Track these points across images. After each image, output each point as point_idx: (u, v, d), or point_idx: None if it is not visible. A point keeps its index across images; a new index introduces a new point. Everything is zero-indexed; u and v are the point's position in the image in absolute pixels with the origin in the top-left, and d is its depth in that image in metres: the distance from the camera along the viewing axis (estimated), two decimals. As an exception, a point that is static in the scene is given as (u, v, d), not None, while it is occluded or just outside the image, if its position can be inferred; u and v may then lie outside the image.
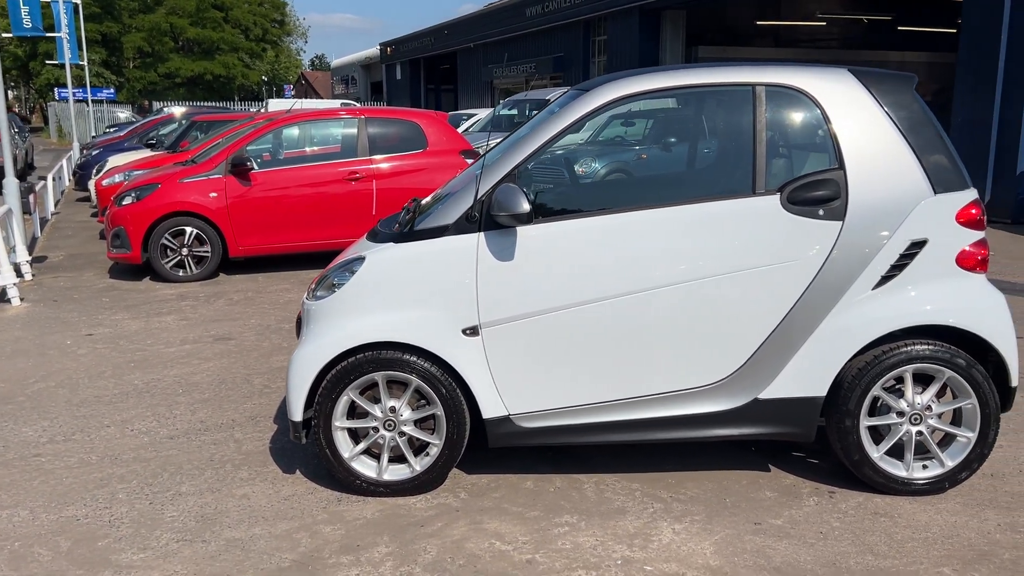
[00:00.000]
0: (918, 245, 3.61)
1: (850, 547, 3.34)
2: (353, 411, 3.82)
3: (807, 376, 3.68)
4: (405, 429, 3.80)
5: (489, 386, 3.73)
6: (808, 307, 3.64)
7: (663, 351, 3.69)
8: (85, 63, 31.25)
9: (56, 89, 44.06)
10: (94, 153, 16.91)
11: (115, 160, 13.99)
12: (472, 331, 3.68)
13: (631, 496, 3.80)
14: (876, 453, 3.73)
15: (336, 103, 20.43)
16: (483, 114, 18.45)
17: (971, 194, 3.66)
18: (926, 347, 3.62)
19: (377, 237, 3.93)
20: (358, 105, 17.92)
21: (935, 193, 3.61)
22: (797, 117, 3.75)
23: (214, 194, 8.78)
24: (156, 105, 44.92)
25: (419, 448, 3.85)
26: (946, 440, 3.78)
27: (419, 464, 3.82)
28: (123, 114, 39.86)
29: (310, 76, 79.73)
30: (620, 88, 3.73)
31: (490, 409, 3.75)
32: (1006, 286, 7.81)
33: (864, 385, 3.65)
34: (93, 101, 42.26)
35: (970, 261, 3.64)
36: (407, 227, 3.80)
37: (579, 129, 3.72)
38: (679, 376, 3.72)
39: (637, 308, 3.64)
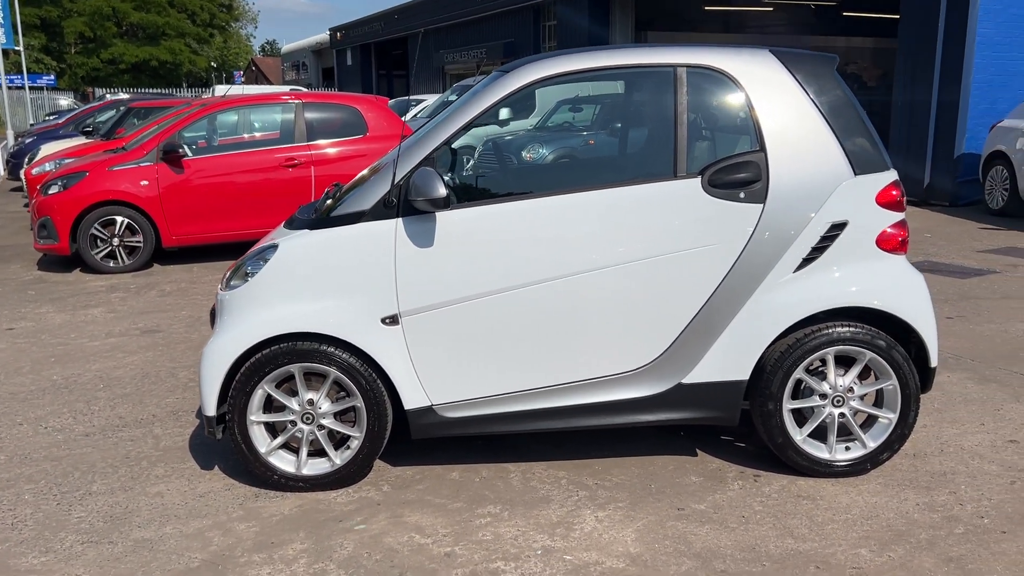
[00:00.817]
0: (839, 227, 3.60)
1: (771, 531, 3.32)
2: (270, 404, 3.70)
3: (729, 360, 3.65)
4: (324, 422, 3.69)
5: (411, 376, 3.64)
6: (730, 291, 3.61)
7: (587, 337, 3.64)
8: (21, 48, 30.31)
9: (-6, 76, 42.74)
10: (27, 141, 16.38)
11: (48, 148, 13.55)
12: (392, 320, 3.59)
13: (556, 484, 3.75)
14: (799, 436, 3.73)
15: (285, 89, 20.08)
16: (432, 100, 18.25)
17: (891, 175, 3.66)
18: (847, 329, 3.61)
19: (294, 224, 3.81)
20: (304, 91, 17.65)
21: (855, 175, 3.60)
22: (718, 99, 3.71)
23: (145, 182, 8.53)
24: (99, 92, 43.79)
25: (340, 441, 3.75)
26: (869, 421, 3.80)
27: (339, 458, 3.72)
28: (65, 102, 38.78)
29: (260, 62, 78.36)
30: (539, 70, 3.65)
31: (412, 400, 3.66)
32: (940, 267, 7.93)
33: (786, 368, 3.64)
34: (32, 88, 41.07)
35: (890, 243, 3.64)
36: (324, 213, 3.69)
37: (498, 111, 3.63)
38: (603, 362, 3.67)
39: (559, 294, 3.58)
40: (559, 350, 3.65)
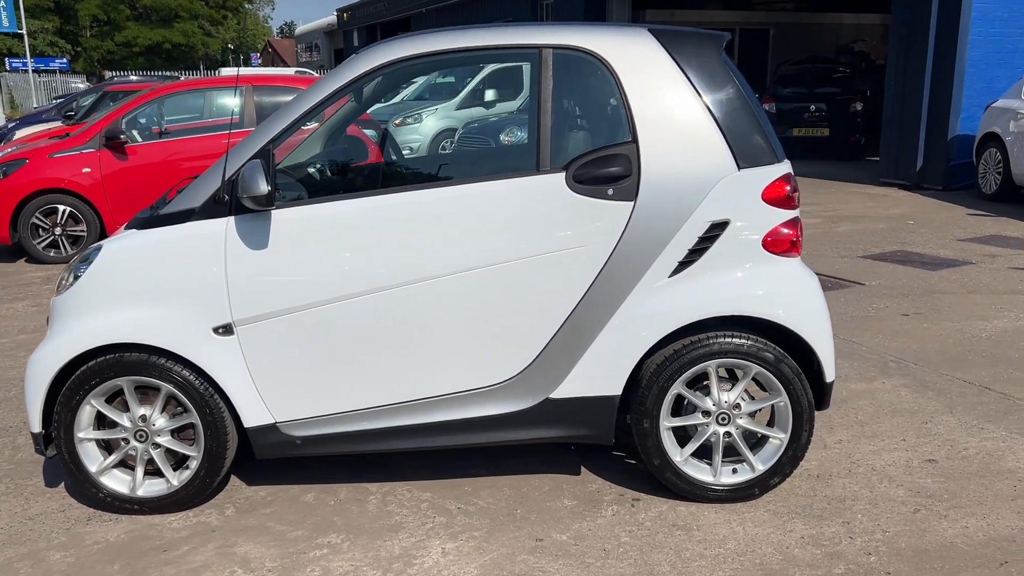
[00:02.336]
0: (719, 227, 3.22)
1: (630, 568, 2.98)
2: (104, 419, 3.40)
3: (600, 373, 3.30)
4: (159, 440, 3.39)
5: (250, 391, 3.32)
6: (599, 298, 3.25)
7: (442, 349, 3.29)
8: (24, 31, 30.22)
9: (8, 59, 42.83)
10: (10, 125, 16.22)
11: (23, 132, 13.37)
12: (225, 329, 3.26)
13: (416, 509, 3.42)
14: (679, 456, 3.37)
15: (291, 71, 19.72)
16: (422, 80, 17.81)
17: (780, 169, 3.27)
18: (730, 340, 3.24)
19: (131, 223, 3.49)
20: (314, 74, 17.30)
21: (739, 169, 3.21)
22: (587, 84, 3.33)
23: (87, 169, 8.26)
24: (108, 75, 43.74)
25: (182, 460, 3.45)
26: (761, 442, 3.43)
27: (177, 479, 3.42)
28: (82, 85, 38.80)
29: (277, 44, 78.12)
30: (388, 53, 3.29)
31: (253, 417, 3.35)
32: (912, 258, 7.48)
33: (662, 383, 3.28)
34: (46, 71, 41.09)
35: (779, 244, 3.26)
36: (156, 212, 3.36)
37: (338, 98, 3.28)
38: (462, 376, 3.33)
39: (410, 302, 3.24)
40: (413, 363, 3.31)
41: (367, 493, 3.57)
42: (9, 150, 11.04)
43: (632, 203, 3.19)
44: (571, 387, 3.32)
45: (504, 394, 3.34)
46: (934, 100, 11.77)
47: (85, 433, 3.37)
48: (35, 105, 29.98)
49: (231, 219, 3.21)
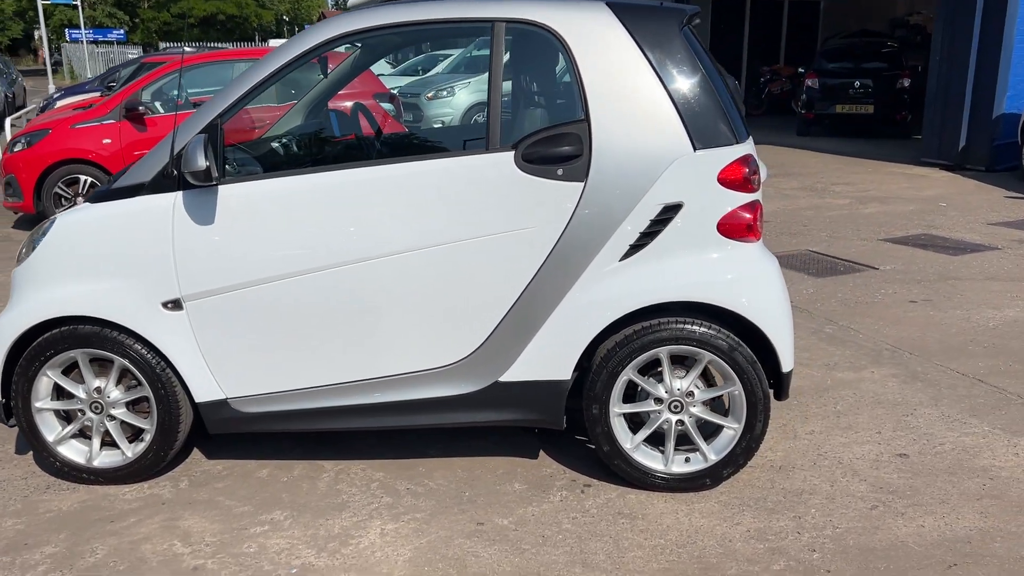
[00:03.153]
0: (672, 209, 3.11)
1: (563, 556, 2.93)
2: (63, 390, 3.45)
3: (549, 357, 3.23)
4: (114, 412, 3.43)
5: (200, 367, 3.34)
6: (548, 281, 3.18)
7: (390, 329, 3.26)
8: (78, 3, 30.81)
9: (68, 30, 43.78)
10: (56, 95, 16.57)
11: (64, 102, 13.63)
12: (174, 304, 3.27)
13: (365, 488, 3.41)
14: (629, 443, 3.30)
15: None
16: (457, 54, 17.70)
17: (739, 150, 3.14)
18: (681, 327, 3.15)
19: (89, 196, 3.51)
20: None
21: (695, 149, 3.10)
22: (540, 59, 3.25)
23: (108, 140, 8.38)
24: (163, 46, 44.40)
25: (138, 432, 3.49)
26: (716, 432, 3.33)
27: (131, 451, 3.45)
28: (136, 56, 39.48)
29: (331, 15, 78.34)
30: (342, 25, 3.23)
31: (203, 392, 3.36)
32: (936, 242, 7.22)
33: (612, 368, 3.20)
34: (103, 43, 41.89)
35: (735, 228, 3.14)
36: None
37: (288, 72, 3.23)
38: (412, 357, 3.29)
39: (355, 281, 3.20)
40: (361, 343, 3.28)
41: (321, 471, 3.57)
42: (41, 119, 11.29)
43: (582, 184, 3.10)
44: (520, 371, 3.26)
45: (453, 376, 3.30)
46: (979, 78, 11.28)
47: (43, 403, 3.43)
48: (88, 76, 30.63)
49: (179, 194, 3.21)
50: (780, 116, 17.24)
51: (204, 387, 3.35)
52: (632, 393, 3.32)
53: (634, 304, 3.14)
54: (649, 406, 3.28)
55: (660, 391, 3.26)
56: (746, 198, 3.14)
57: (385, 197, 3.15)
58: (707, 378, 3.31)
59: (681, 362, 3.28)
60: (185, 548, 3.03)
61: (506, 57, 3.15)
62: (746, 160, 3.13)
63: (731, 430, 3.27)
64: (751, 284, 3.14)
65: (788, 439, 3.73)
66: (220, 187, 3.19)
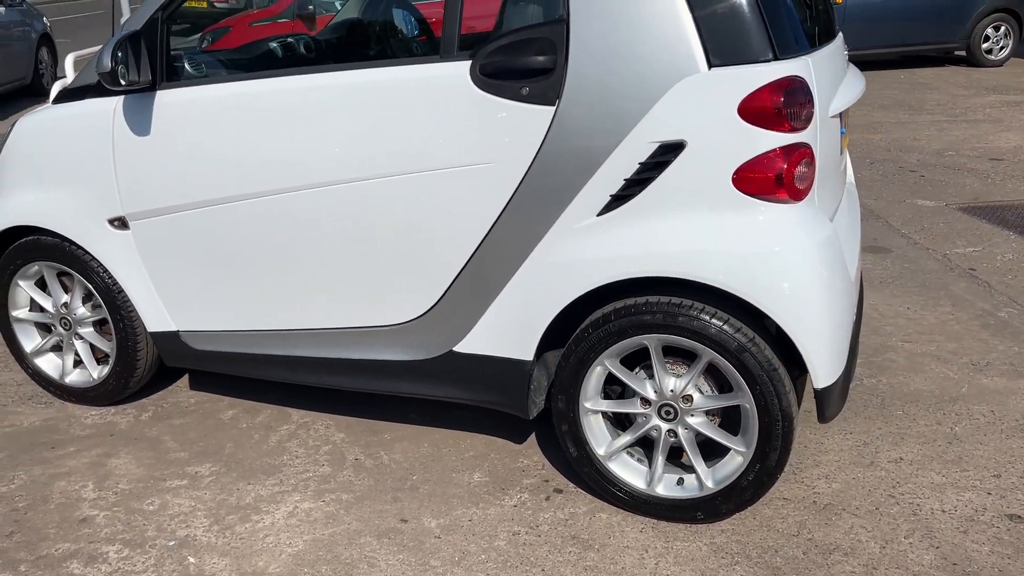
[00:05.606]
0: (671, 150, 2.25)
1: (470, 586, 2.31)
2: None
3: (509, 331, 2.55)
4: (81, 331, 3.22)
5: (149, 294, 3.02)
6: (508, 233, 2.46)
7: (334, 274, 2.73)
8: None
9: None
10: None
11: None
12: (120, 223, 2.95)
13: (314, 451, 2.97)
14: (603, 449, 2.56)
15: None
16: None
17: (776, 69, 2.18)
18: (674, 311, 2.32)
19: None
20: None
21: (710, 66, 2.19)
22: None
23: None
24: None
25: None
26: (723, 452, 2.50)
27: (97, 373, 3.25)
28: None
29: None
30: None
31: (155, 322, 3.05)
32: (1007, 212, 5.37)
33: (581, 353, 2.46)
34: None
35: (758, 182, 2.22)
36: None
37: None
38: (359, 310, 2.75)
39: (294, 211, 2.69)
40: (304, 286, 2.79)
41: (284, 421, 3.17)
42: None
43: (553, 108, 2.32)
44: (476, 342, 2.61)
45: (403, 338, 2.72)
46: None
47: (19, 312, 3.30)
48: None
49: (120, 99, 2.83)
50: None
51: (155, 316, 3.04)
52: (624, 387, 2.57)
53: (610, 275, 2.35)
54: (634, 407, 2.51)
55: (647, 390, 2.47)
56: (781, 140, 2.20)
57: (323, 111, 2.56)
58: (720, 379, 2.46)
59: (685, 355, 2.46)
60: (92, 493, 2.77)
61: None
62: (785, 85, 2.18)
63: (738, 455, 2.42)
64: (775, 263, 2.23)
65: (859, 464, 2.78)
66: (159, 92, 2.77)
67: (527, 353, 2.53)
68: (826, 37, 2.63)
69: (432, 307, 2.64)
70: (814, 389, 2.30)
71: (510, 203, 2.43)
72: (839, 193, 2.71)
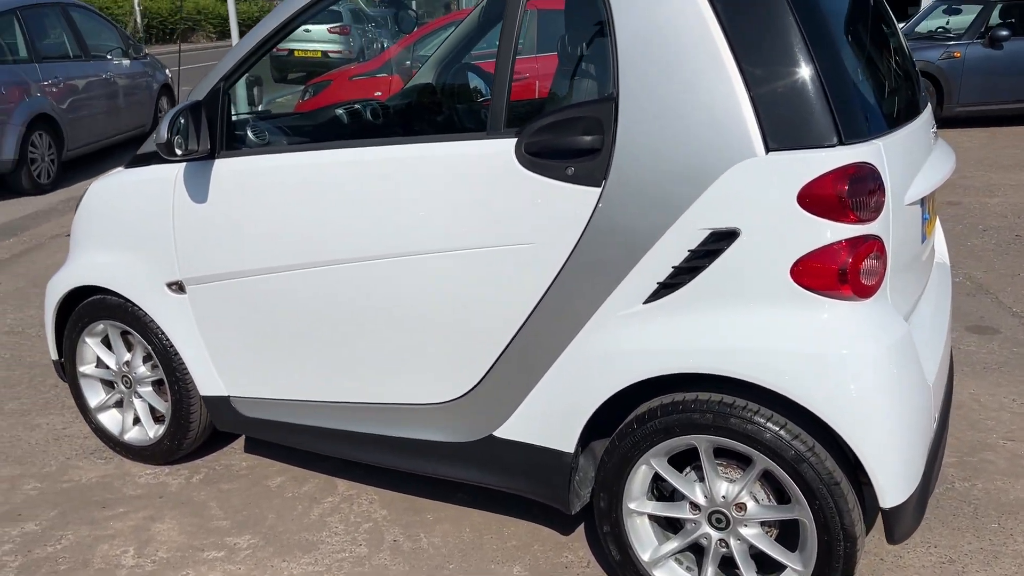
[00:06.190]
0: (723, 238, 2.08)
1: None
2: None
3: (550, 419, 2.41)
4: (141, 390, 3.25)
5: (202, 357, 3.02)
6: (548, 318, 2.34)
7: (378, 347, 2.66)
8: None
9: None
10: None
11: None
12: (178, 287, 2.97)
13: (354, 528, 2.88)
14: (648, 554, 2.36)
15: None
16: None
17: (840, 155, 1.99)
18: (726, 411, 2.13)
19: None
20: None
21: (767, 150, 2.03)
22: (571, 13, 2.34)
23: (378, 93, 8.54)
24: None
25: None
26: (778, 570, 2.26)
27: (153, 432, 3.27)
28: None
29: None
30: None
31: (208, 386, 3.05)
32: None
33: (624, 450, 2.29)
34: None
35: (818, 276, 2.02)
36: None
37: (300, 23, 2.70)
38: (400, 385, 2.67)
39: (337, 283, 2.64)
40: (348, 358, 2.73)
41: (330, 492, 3.10)
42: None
43: (599, 189, 2.20)
44: (517, 428, 2.48)
45: (444, 418, 2.61)
46: None
47: (86, 368, 3.36)
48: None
49: (182, 165, 2.86)
50: None
51: (207, 380, 3.04)
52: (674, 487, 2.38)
53: (655, 368, 2.18)
54: (683, 511, 2.31)
55: (697, 494, 2.28)
56: (846, 231, 2.00)
57: (362, 186, 2.51)
58: (778, 486, 2.24)
59: (740, 456, 2.26)
60: (131, 560, 2.75)
61: (519, 9, 2.30)
62: (851, 172, 1.98)
63: (794, 574, 2.19)
64: (837, 367, 2.01)
65: (952, 563, 2.49)
66: (217, 161, 2.79)
67: (568, 444, 2.38)
68: (909, 114, 2.42)
69: (473, 388, 2.53)
70: (880, 509, 2.06)
71: (553, 286, 2.30)
72: (920, 283, 2.47)
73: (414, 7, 17.47)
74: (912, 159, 2.28)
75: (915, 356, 2.11)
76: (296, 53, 16.44)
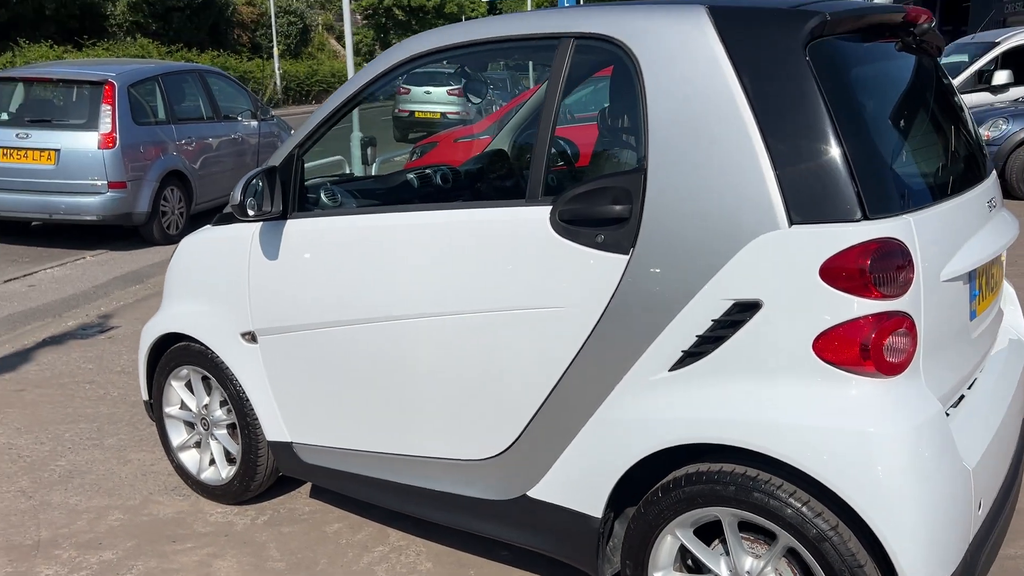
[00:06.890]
0: (746, 309, 2.08)
1: None
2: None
3: (578, 481, 2.43)
4: (216, 432, 3.47)
5: (269, 404, 3.21)
6: (578, 378, 2.38)
7: (423, 402, 2.76)
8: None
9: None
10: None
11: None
12: (251, 337, 3.18)
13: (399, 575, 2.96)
14: (674, 629, 2.33)
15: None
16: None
17: (864, 231, 1.97)
18: (749, 485, 2.11)
19: None
20: None
21: (790, 223, 2.03)
22: (616, 84, 2.42)
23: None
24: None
25: (239, 456, 3.49)
26: (807, 649, 2.19)
27: (225, 472, 3.47)
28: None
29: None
30: (404, 51, 2.81)
31: (273, 431, 3.23)
32: None
33: (650, 519, 2.28)
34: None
35: (840, 352, 1.99)
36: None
37: (364, 97, 2.89)
38: (444, 439, 2.76)
39: (385, 339, 2.78)
40: (396, 411, 2.84)
41: (381, 541, 3.19)
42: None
43: (627, 257, 2.25)
44: (548, 489, 2.51)
45: (482, 475, 2.68)
46: None
47: (171, 409, 3.61)
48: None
49: (259, 224, 3.09)
50: None
51: (273, 426, 3.21)
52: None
53: (680, 437, 2.19)
54: (708, 584, 2.28)
55: (722, 568, 2.24)
56: (869, 307, 1.97)
57: (425, 248, 2.65)
58: (805, 564, 2.18)
59: (767, 532, 2.22)
60: (190, 594, 2.92)
61: (564, 83, 2.40)
62: (873, 248, 1.96)
63: (818, 658, 2.11)
64: (860, 446, 1.96)
65: None
66: (288, 221, 2.99)
67: (595, 509, 2.39)
68: (961, 184, 2.36)
69: (509, 446, 2.58)
70: (907, 595, 1.97)
71: (582, 350, 2.35)
72: (970, 361, 2.37)
73: (530, 69, 17.94)
74: (958, 232, 2.23)
75: (948, 438, 2.04)
76: (416, 114, 17.17)
